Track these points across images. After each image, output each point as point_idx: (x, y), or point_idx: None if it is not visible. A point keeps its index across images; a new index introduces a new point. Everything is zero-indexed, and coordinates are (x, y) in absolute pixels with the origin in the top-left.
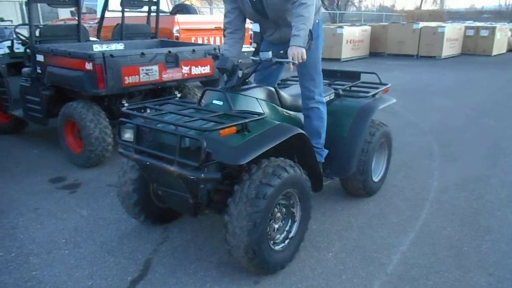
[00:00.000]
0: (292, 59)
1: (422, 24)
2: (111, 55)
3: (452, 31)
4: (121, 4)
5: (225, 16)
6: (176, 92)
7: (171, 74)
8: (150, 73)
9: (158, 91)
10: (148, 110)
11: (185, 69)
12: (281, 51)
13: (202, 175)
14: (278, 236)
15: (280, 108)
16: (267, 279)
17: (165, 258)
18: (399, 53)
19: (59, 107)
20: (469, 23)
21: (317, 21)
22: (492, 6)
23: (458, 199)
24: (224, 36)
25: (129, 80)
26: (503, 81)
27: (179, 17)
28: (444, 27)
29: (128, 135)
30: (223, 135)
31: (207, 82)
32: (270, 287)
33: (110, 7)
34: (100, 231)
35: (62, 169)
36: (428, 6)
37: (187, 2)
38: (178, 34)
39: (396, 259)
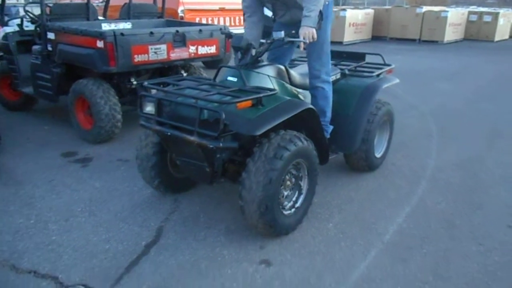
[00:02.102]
0: (303, 38)
1: (425, 9)
2: (122, 34)
3: (455, 16)
4: None
5: (243, 0)
6: (182, 71)
7: (178, 53)
8: (159, 52)
9: (165, 70)
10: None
11: (192, 49)
12: (293, 31)
13: (221, 144)
14: (286, 203)
15: (289, 86)
16: (271, 245)
17: (176, 226)
18: (401, 37)
19: (69, 84)
20: (473, 8)
21: (327, 2)
22: None
23: (453, 177)
24: (244, 20)
25: (138, 58)
26: (504, 67)
27: None
28: (447, 11)
29: (149, 108)
30: (240, 108)
31: (211, 63)
32: (275, 251)
33: None
34: (114, 201)
35: (73, 144)
36: None
37: None
38: (182, 14)
39: (392, 230)
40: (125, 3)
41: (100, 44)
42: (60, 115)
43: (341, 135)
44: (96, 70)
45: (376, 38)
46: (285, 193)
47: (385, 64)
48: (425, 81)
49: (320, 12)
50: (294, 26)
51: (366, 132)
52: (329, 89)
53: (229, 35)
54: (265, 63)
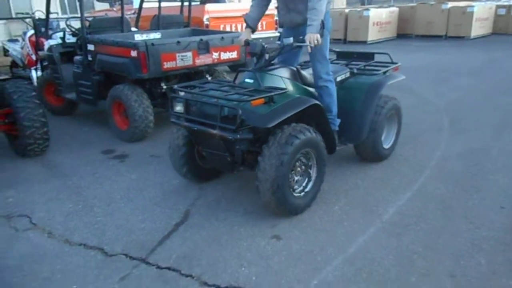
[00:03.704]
0: (309, 43)
1: (450, 4)
2: (152, 44)
3: (482, 10)
4: None
5: None
6: (207, 76)
7: (203, 59)
8: (185, 59)
9: (191, 75)
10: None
11: (215, 55)
12: (300, 37)
13: (238, 136)
14: (297, 187)
15: (301, 85)
16: (282, 224)
17: (201, 209)
18: (427, 34)
19: (107, 90)
20: (505, 0)
21: (325, 12)
22: None
23: (456, 166)
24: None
25: (167, 65)
26: None
27: (208, 7)
28: (473, 6)
29: (179, 107)
30: (254, 105)
31: (235, 66)
32: (285, 229)
33: None
34: (148, 189)
35: (111, 143)
36: None
37: None
38: (208, 22)
39: (392, 211)
40: (155, 15)
41: (134, 53)
42: (98, 118)
43: (349, 128)
44: (131, 76)
45: (401, 36)
46: (296, 178)
47: (391, 63)
48: (445, 76)
49: (322, 21)
50: (293, 29)
51: (373, 125)
52: (332, 87)
53: (246, 43)
54: (277, 65)
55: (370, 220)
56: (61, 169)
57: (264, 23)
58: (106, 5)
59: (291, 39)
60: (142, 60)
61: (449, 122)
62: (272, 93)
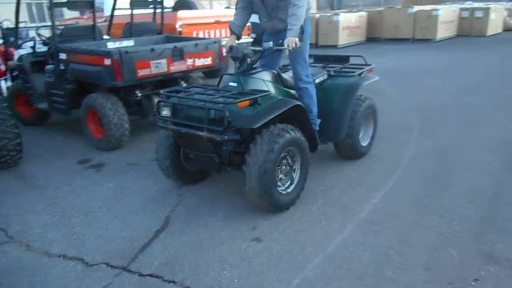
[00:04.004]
0: (288, 46)
1: (416, 8)
2: (126, 52)
3: (447, 13)
4: (130, 5)
5: None
6: (182, 82)
7: (177, 66)
8: (160, 66)
9: (166, 81)
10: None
11: (190, 61)
12: (280, 41)
13: (226, 137)
14: (281, 184)
15: (282, 87)
16: (262, 226)
17: (181, 215)
18: (395, 37)
19: (80, 99)
20: (468, 3)
21: (305, 17)
22: None
23: (427, 164)
24: (236, 9)
25: (142, 72)
26: (493, 60)
27: (181, 13)
28: (438, 10)
29: (165, 112)
30: (240, 107)
31: (209, 72)
32: (265, 231)
33: (117, 5)
34: (126, 198)
35: (87, 153)
36: None
37: None
38: (181, 29)
39: (367, 209)
40: (128, 23)
41: (107, 61)
42: (72, 128)
43: (328, 127)
44: (105, 85)
45: (370, 39)
46: (281, 176)
47: (366, 64)
48: (414, 78)
49: (301, 26)
50: (275, 35)
51: (351, 123)
52: (312, 88)
53: (230, 49)
54: (259, 69)
55: (347, 219)
56: (35, 181)
57: None
58: (76, 13)
59: (270, 43)
60: (116, 68)
61: (419, 122)
62: (257, 95)
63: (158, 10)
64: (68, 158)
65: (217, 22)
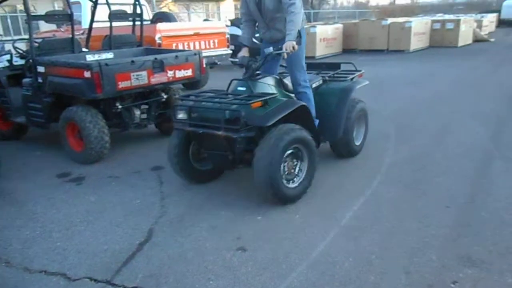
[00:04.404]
0: (286, 50)
1: (390, 20)
2: (106, 64)
3: (419, 25)
4: (109, 17)
5: (240, 7)
6: (163, 94)
7: (158, 78)
8: (140, 78)
9: (147, 93)
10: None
11: (170, 73)
12: (279, 46)
13: (242, 134)
14: (288, 179)
15: (284, 91)
16: (247, 235)
17: (165, 227)
18: (370, 49)
19: (59, 112)
20: (439, 16)
21: (303, 26)
22: None
23: (405, 171)
24: (241, 23)
25: (122, 84)
26: (463, 70)
27: (160, 26)
28: (411, 22)
29: (181, 115)
30: (253, 107)
31: (189, 84)
32: (249, 240)
33: (95, 18)
34: (108, 211)
35: (66, 166)
36: (402, 0)
37: (164, 9)
38: (160, 41)
39: (348, 216)
40: (107, 35)
41: (87, 74)
42: (49, 141)
43: (326, 128)
44: (85, 97)
45: (346, 51)
46: (286, 171)
47: (356, 70)
48: (389, 88)
49: (299, 31)
50: (273, 44)
51: (346, 124)
52: (309, 92)
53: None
54: (264, 75)
55: (329, 226)
56: (14, 196)
57: (216, 40)
58: (52, 26)
59: (271, 49)
60: (96, 81)
61: (395, 130)
62: (267, 97)
63: (138, 23)
64: (47, 172)
65: (196, 34)
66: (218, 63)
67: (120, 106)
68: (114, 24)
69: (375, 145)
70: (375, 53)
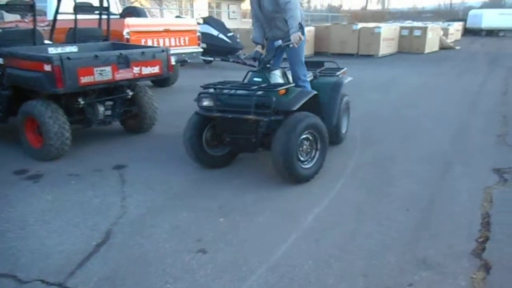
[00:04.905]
0: (294, 40)
1: (360, 25)
2: (68, 58)
3: (388, 31)
4: (74, 10)
5: (251, 10)
6: (128, 90)
7: (123, 74)
8: (104, 73)
9: (112, 89)
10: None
11: (136, 70)
12: (288, 39)
13: (272, 118)
14: (303, 160)
15: (288, 83)
16: (208, 237)
17: (124, 227)
18: (341, 52)
19: (18, 106)
20: (408, 22)
21: (302, 19)
22: (432, 6)
23: (368, 173)
24: (252, 24)
25: (84, 80)
26: (429, 76)
27: (129, 20)
28: (380, 27)
29: (206, 103)
30: (281, 94)
31: (158, 81)
32: (210, 242)
33: (60, 9)
34: (65, 210)
35: (24, 163)
36: (373, 6)
37: (136, 4)
38: (128, 37)
39: (311, 218)
40: (71, 28)
41: (47, 67)
42: (7, 136)
43: (322, 117)
44: (45, 91)
45: (318, 53)
46: (303, 153)
47: (339, 68)
48: (357, 92)
49: (300, 24)
50: (276, 41)
51: (338, 113)
52: (308, 86)
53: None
54: (274, 67)
55: (291, 228)
56: None
57: (186, 38)
58: (16, 16)
59: (280, 42)
60: (57, 75)
61: (361, 133)
62: (290, 85)
63: (104, 16)
64: (4, 169)
65: (166, 31)
66: (189, 61)
67: (82, 102)
68: (82, 17)
69: (341, 148)
70: (345, 57)
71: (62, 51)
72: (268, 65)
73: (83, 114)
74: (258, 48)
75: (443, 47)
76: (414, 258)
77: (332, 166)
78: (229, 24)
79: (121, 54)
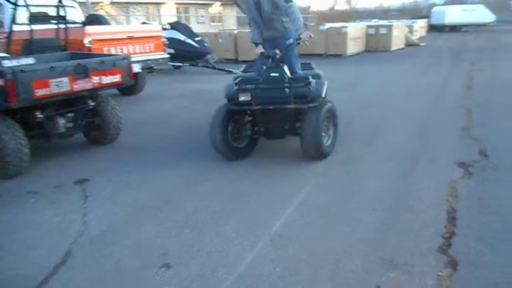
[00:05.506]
0: (305, 38)
1: (328, 25)
2: (22, 70)
3: (355, 30)
4: (29, 20)
5: (248, 14)
6: (90, 101)
7: (81, 85)
8: (61, 85)
9: (72, 101)
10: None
11: (95, 79)
12: (300, 37)
13: (310, 104)
14: (325, 139)
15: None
16: (172, 251)
17: (84, 246)
18: (310, 53)
19: None
20: (374, 21)
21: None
22: (397, 4)
23: (337, 173)
24: (250, 25)
25: (40, 92)
26: (395, 73)
27: (89, 29)
28: (347, 27)
29: (243, 97)
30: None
31: (126, 90)
32: (175, 256)
33: (18, 20)
34: (21, 230)
35: None
36: (341, 6)
37: (100, 11)
38: (90, 45)
39: (278, 223)
40: (27, 39)
41: (0, 81)
42: None
43: None
44: None
45: None
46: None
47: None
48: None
49: (304, 24)
50: (272, 41)
51: None
52: None
53: (262, 53)
54: (283, 64)
55: (259, 235)
56: None
57: (152, 44)
58: None
59: (291, 40)
60: (10, 89)
61: None
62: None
63: (62, 25)
64: None
65: (130, 38)
66: (155, 67)
67: (40, 115)
68: (41, 27)
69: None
70: (314, 57)
71: (17, 64)
72: (281, 62)
73: (42, 127)
74: (259, 48)
75: (409, 44)
76: (381, 258)
77: (300, 167)
78: (198, 29)
79: (79, 64)
